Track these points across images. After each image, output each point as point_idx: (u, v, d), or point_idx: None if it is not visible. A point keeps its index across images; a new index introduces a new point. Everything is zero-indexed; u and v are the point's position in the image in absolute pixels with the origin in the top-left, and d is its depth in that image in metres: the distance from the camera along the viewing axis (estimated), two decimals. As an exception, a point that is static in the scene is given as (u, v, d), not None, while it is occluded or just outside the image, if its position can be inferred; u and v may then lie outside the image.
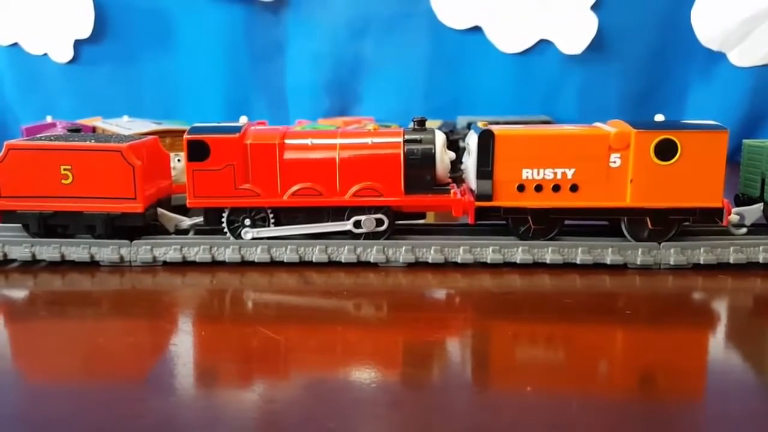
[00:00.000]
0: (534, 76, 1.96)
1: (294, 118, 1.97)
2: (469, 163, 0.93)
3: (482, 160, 0.89)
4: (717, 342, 0.70)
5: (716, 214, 0.87)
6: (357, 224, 0.90)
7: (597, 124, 0.95)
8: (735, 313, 0.77)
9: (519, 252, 0.88)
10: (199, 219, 0.95)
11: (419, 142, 0.90)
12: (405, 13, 1.98)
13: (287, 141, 0.91)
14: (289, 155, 0.90)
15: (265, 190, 0.90)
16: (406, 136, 0.90)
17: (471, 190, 0.93)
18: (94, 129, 1.42)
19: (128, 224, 0.92)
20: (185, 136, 0.89)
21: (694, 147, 0.86)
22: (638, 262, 0.87)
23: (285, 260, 0.90)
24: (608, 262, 0.87)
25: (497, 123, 1.69)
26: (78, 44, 2.04)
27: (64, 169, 0.91)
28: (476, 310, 0.78)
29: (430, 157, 0.90)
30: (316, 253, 0.89)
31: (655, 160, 0.86)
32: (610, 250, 0.87)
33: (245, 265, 0.91)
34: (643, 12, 1.90)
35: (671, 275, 0.86)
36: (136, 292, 0.84)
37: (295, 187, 0.90)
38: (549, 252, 0.88)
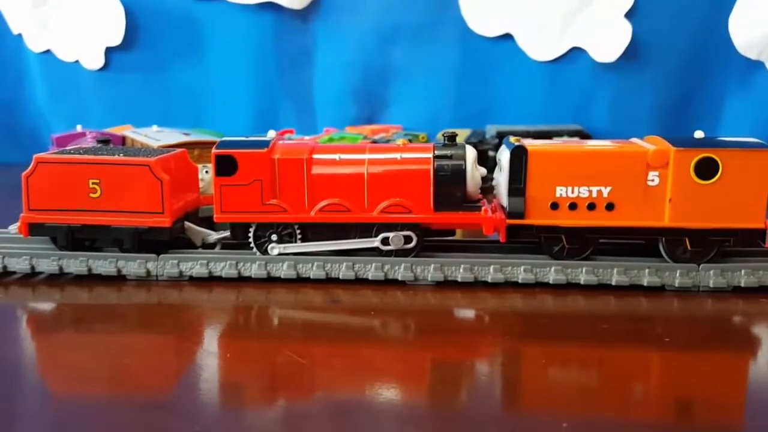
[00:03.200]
0: (566, 84, 1.92)
1: (322, 126, 1.96)
2: (501, 179, 0.90)
3: (514, 177, 0.87)
4: (758, 369, 0.67)
5: (759, 235, 0.84)
6: (385, 241, 0.89)
7: (634, 140, 0.92)
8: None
9: (552, 272, 0.86)
10: (226, 233, 0.94)
11: (449, 157, 0.88)
12: (434, 21, 1.94)
13: (315, 156, 0.89)
14: (317, 170, 0.89)
15: (293, 205, 0.89)
16: (436, 152, 0.89)
17: (502, 207, 0.91)
18: (123, 138, 1.42)
19: (155, 238, 0.91)
20: (213, 150, 0.88)
21: (735, 166, 0.83)
22: (676, 284, 0.84)
23: (312, 276, 0.89)
24: (645, 284, 0.85)
25: (528, 132, 1.70)
26: (109, 51, 2.05)
27: (93, 183, 0.90)
28: (507, 331, 0.75)
29: (460, 174, 0.87)
30: (342, 269, 0.88)
31: (695, 179, 0.84)
32: (647, 271, 0.84)
33: (271, 281, 0.89)
34: (678, 19, 1.84)
35: (710, 298, 0.83)
36: (162, 307, 0.83)
37: (322, 203, 0.89)
38: (583, 272, 0.85)
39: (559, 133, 1.70)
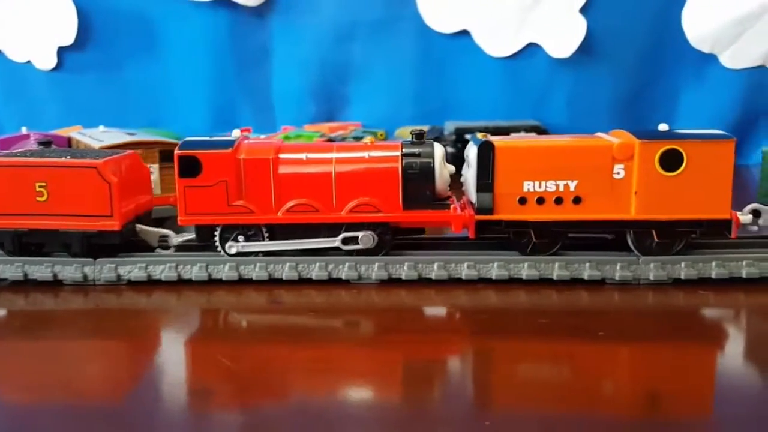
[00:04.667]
0: (523, 80, 1.93)
1: (281, 124, 1.94)
2: (469, 175, 0.90)
3: (482, 173, 0.86)
4: (726, 360, 0.68)
5: (724, 226, 0.85)
6: (354, 240, 0.88)
7: (599, 134, 0.93)
8: (748, 330, 0.75)
9: (495, 268, 0.86)
10: (189, 236, 0.92)
11: (418, 155, 0.87)
12: (392, 17, 1.95)
13: (281, 155, 0.88)
14: (283, 170, 0.87)
15: (259, 206, 0.87)
16: (404, 150, 0.88)
17: (471, 203, 0.91)
18: (69, 140, 1.39)
19: (105, 242, 0.89)
20: (176, 151, 0.86)
21: (700, 157, 0.84)
22: (617, 278, 0.85)
23: (254, 278, 0.87)
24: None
25: (486, 128, 1.71)
26: (61, 51, 2.00)
27: (39, 186, 0.88)
28: (477, 329, 0.75)
29: (429, 172, 0.87)
30: (286, 270, 0.87)
31: (660, 171, 0.84)
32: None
33: (213, 283, 0.88)
34: (632, 14, 1.87)
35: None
36: (102, 312, 0.81)
37: (290, 204, 0.87)
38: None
39: (516, 129, 1.71)
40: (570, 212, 0.86)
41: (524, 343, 0.71)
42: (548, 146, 0.87)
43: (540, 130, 1.74)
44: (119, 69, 2.02)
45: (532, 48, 1.91)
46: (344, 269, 0.87)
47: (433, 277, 0.86)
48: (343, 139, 1.59)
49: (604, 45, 1.88)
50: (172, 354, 0.70)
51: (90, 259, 0.88)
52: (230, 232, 0.88)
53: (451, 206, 0.88)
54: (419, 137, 0.89)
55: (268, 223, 0.88)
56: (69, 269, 0.88)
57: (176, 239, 0.93)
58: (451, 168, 0.89)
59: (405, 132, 1.73)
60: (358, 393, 0.60)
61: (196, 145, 0.87)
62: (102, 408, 0.59)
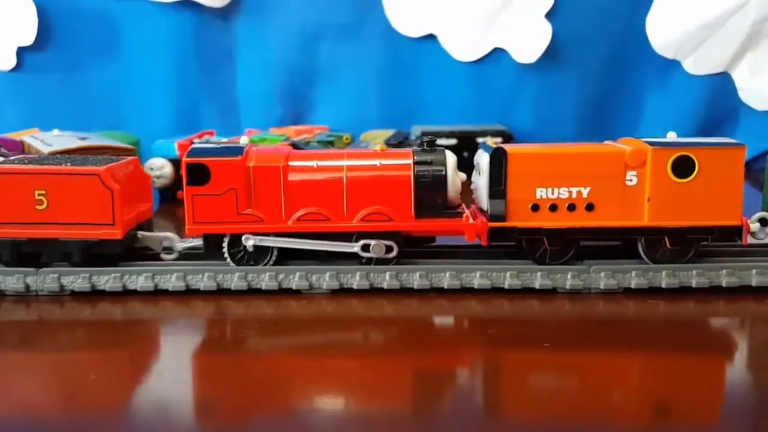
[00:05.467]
0: (489, 84, 1.94)
1: (247, 127, 1.92)
2: (480, 182, 0.89)
3: (495, 179, 0.86)
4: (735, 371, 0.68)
5: (735, 232, 0.85)
6: (365, 248, 0.86)
7: (608, 142, 0.93)
8: (759, 341, 0.75)
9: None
10: (193, 242, 0.90)
11: (430, 163, 0.86)
12: (358, 21, 1.95)
13: (291, 163, 0.86)
14: (293, 178, 0.86)
15: (269, 215, 0.86)
16: (416, 158, 0.87)
17: (482, 211, 0.90)
18: (21, 144, 1.36)
19: (106, 251, 0.87)
20: (184, 159, 0.84)
21: (711, 164, 0.84)
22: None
23: (202, 288, 0.85)
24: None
25: (452, 133, 1.72)
26: (21, 51, 1.95)
27: (39, 194, 0.85)
28: (489, 340, 0.74)
29: (441, 179, 0.86)
30: (235, 280, 0.85)
31: (673, 177, 0.84)
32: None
33: (159, 293, 0.86)
34: (597, 20, 1.89)
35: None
36: (43, 324, 0.79)
37: (300, 212, 0.86)
38: (569, 278, 0.85)
39: (483, 134, 1.71)
40: (583, 219, 0.86)
41: (537, 354, 0.70)
42: (561, 153, 0.87)
43: (506, 135, 1.74)
44: (81, 70, 1.99)
45: (498, 53, 1.93)
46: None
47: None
48: (307, 143, 1.58)
49: (569, 50, 1.90)
50: (177, 365, 0.68)
51: (32, 269, 0.86)
52: (239, 241, 0.86)
53: (464, 214, 0.87)
54: (430, 144, 0.88)
55: (277, 231, 0.86)
56: (10, 279, 0.85)
57: (180, 244, 0.91)
58: (463, 175, 0.89)
59: (370, 136, 1.72)
60: (368, 405, 0.59)
61: (205, 153, 0.85)
62: (104, 421, 0.57)
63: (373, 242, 0.86)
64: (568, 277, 0.85)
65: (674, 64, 1.89)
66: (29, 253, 0.87)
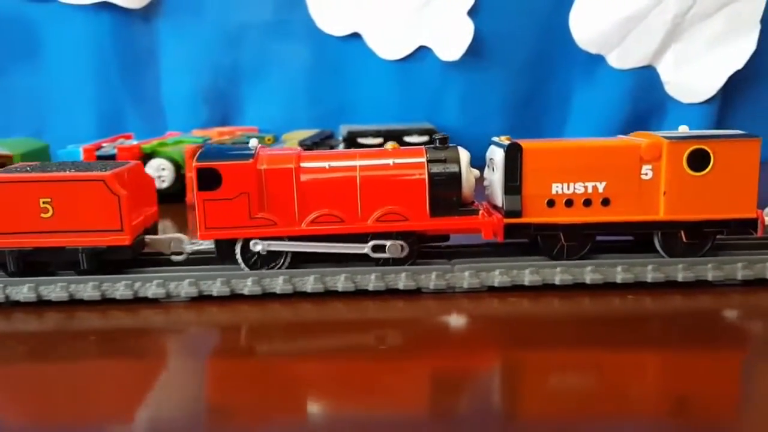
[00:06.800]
0: (415, 83, 1.93)
1: (171, 129, 1.90)
2: (494, 178, 0.88)
3: (510, 175, 0.85)
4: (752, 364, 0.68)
5: (751, 225, 0.85)
6: (380, 248, 0.85)
7: (620, 136, 0.92)
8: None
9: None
10: (202, 244, 0.89)
11: (443, 161, 0.85)
12: (281, 20, 1.93)
13: (303, 164, 0.85)
14: (306, 180, 0.84)
15: (282, 218, 0.84)
16: (429, 156, 0.85)
17: (495, 207, 0.89)
18: None
19: (115, 258, 0.85)
20: (194, 163, 0.82)
21: (726, 156, 0.84)
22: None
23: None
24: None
25: (379, 132, 1.70)
26: None
27: (44, 202, 0.83)
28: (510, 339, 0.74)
29: (456, 177, 0.85)
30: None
31: (688, 170, 0.84)
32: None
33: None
34: (520, 17, 1.88)
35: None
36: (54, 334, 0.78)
37: (314, 214, 0.84)
38: (588, 271, 0.84)
39: (409, 132, 1.70)
40: (599, 214, 0.85)
41: (555, 353, 0.69)
42: (576, 147, 0.87)
43: (433, 134, 1.71)
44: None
45: (423, 51, 1.91)
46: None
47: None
48: (221, 144, 1.55)
49: (493, 48, 1.89)
50: (190, 371, 0.67)
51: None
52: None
53: (480, 212, 0.86)
54: (443, 142, 0.87)
55: (291, 235, 0.84)
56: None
57: (189, 246, 0.89)
58: (476, 172, 0.88)
59: (291, 136, 1.70)
60: (386, 409, 0.58)
61: (215, 157, 0.83)
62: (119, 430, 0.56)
63: (388, 243, 0.85)
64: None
65: (599, 59, 1.87)
66: (35, 263, 0.85)
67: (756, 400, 0.60)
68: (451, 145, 0.87)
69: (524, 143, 0.85)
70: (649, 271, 0.83)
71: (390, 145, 0.88)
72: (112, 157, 1.46)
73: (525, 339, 0.73)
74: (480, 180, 0.90)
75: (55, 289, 0.83)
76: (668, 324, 0.77)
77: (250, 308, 0.82)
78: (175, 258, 0.90)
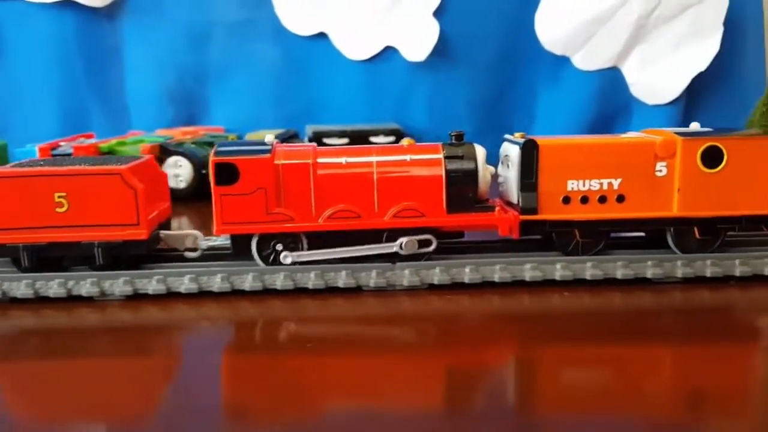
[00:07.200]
0: (382, 83, 1.92)
1: (136, 129, 1.88)
2: (510, 175, 0.89)
3: (526, 172, 0.85)
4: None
5: (763, 221, 0.86)
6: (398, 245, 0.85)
7: (632, 133, 0.93)
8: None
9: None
10: (217, 241, 0.88)
11: (461, 157, 0.85)
12: (247, 19, 1.91)
13: (320, 160, 0.84)
14: (323, 175, 0.84)
15: (299, 213, 0.83)
16: (446, 152, 0.86)
17: (509, 204, 0.89)
18: None
19: (131, 253, 0.84)
20: (212, 158, 0.81)
21: (739, 154, 0.85)
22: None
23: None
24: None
25: (344, 132, 1.70)
26: None
27: (59, 197, 0.82)
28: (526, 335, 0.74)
29: (473, 173, 0.85)
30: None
31: (702, 167, 0.85)
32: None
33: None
34: (486, 18, 1.88)
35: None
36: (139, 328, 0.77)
37: (331, 210, 0.84)
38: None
39: (375, 132, 1.69)
40: (614, 211, 0.86)
41: (567, 348, 0.69)
42: (591, 144, 0.87)
43: (400, 134, 1.72)
44: None
45: (389, 51, 1.91)
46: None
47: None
48: (180, 144, 1.54)
49: (459, 48, 1.89)
50: (208, 368, 0.66)
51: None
52: (268, 241, 0.84)
53: (496, 208, 0.86)
54: (459, 138, 0.87)
55: (308, 230, 0.84)
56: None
57: (205, 242, 0.88)
58: (492, 169, 0.88)
59: (255, 136, 1.69)
60: (399, 404, 0.58)
61: (233, 151, 0.82)
62: (132, 428, 0.55)
63: (405, 239, 0.84)
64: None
65: (564, 61, 1.88)
66: (49, 258, 0.84)
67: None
68: (467, 142, 0.87)
69: (540, 140, 0.86)
70: (649, 266, 0.84)
71: (406, 141, 0.88)
72: (68, 156, 1.44)
73: (536, 334, 0.73)
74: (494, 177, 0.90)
75: (85, 285, 0.82)
76: (671, 319, 0.77)
77: (282, 304, 0.81)
78: (188, 255, 0.89)
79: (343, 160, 0.85)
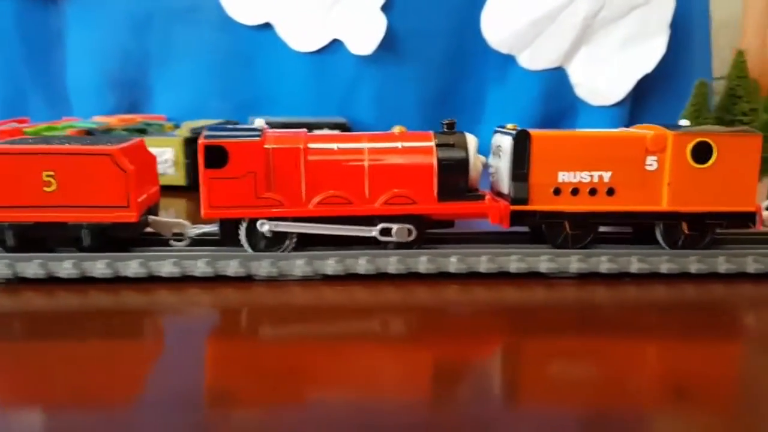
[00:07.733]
0: (329, 76, 1.90)
1: (78, 115, 1.84)
2: (501, 165, 0.88)
3: (518, 162, 0.85)
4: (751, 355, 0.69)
5: (749, 218, 0.87)
6: (385, 231, 0.84)
7: (622, 128, 0.93)
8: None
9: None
10: (206, 228, 0.87)
11: (452, 145, 0.85)
12: (191, 6, 1.88)
13: (311, 145, 0.83)
14: (313, 160, 0.83)
15: (289, 198, 0.83)
16: (437, 140, 0.85)
17: (500, 194, 0.89)
18: None
19: (120, 235, 0.83)
20: (201, 140, 0.80)
21: (728, 150, 0.85)
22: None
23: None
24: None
25: (288, 124, 1.66)
26: None
27: (47, 176, 0.80)
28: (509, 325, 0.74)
29: (464, 162, 0.85)
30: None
31: (692, 163, 0.85)
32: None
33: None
34: (434, 14, 1.88)
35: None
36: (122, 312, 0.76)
37: (321, 196, 0.83)
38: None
39: (320, 125, 1.67)
40: (604, 204, 0.86)
41: (555, 341, 0.69)
42: (584, 136, 0.87)
43: (345, 128, 1.71)
44: None
45: (336, 44, 1.89)
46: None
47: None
48: (109, 131, 1.52)
49: (406, 44, 1.88)
50: (194, 354, 0.66)
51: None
52: (255, 225, 0.83)
53: (486, 197, 0.86)
54: (450, 127, 0.87)
55: (298, 215, 0.83)
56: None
57: (193, 230, 0.87)
58: (483, 158, 0.88)
59: (189, 125, 1.67)
60: (386, 394, 0.57)
61: (222, 135, 0.81)
62: (115, 413, 0.54)
63: (395, 226, 0.84)
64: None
65: (511, 60, 1.88)
66: (35, 238, 0.82)
67: (754, 388, 0.60)
68: (458, 131, 0.87)
69: (532, 131, 0.85)
70: (634, 261, 0.85)
71: (397, 128, 0.87)
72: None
73: (524, 326, 0.73)
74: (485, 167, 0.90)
75: (66, 266, 0.81)
76: (655, 314, 0.77)
77: (266, 290, 0.80)
78: (174, 242, 0.88)
79: (335, 146, 0.84)
